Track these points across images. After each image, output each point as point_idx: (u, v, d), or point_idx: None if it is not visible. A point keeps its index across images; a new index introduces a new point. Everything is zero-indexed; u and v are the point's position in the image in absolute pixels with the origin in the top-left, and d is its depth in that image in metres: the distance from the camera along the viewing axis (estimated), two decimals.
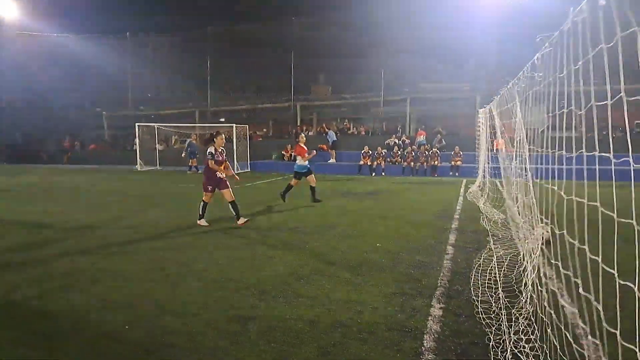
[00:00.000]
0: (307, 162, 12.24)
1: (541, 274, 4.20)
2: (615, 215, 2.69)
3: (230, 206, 9.17)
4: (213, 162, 8.96)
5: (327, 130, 28.08)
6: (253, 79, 38.74)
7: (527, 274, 4.88)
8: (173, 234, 8.45)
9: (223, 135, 9.38)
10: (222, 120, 37.63)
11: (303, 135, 12.96)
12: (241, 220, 9.19)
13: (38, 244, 7.79)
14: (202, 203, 9.26)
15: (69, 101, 39.67)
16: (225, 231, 8.72)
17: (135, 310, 4.69)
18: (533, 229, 6.65)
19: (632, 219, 2.39)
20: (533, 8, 25.66)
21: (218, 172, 9.05)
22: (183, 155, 24.75)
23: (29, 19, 37.24)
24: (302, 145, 12.30)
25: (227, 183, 9.19)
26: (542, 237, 5.24)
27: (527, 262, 5.37)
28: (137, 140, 29.32)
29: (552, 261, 3.83)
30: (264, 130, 34.95)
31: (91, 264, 6.46)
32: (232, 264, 6.39)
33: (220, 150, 9.20)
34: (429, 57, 30.29)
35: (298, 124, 34.68)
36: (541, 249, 4.84)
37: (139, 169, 27.44)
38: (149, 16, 39.89)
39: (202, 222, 9.23)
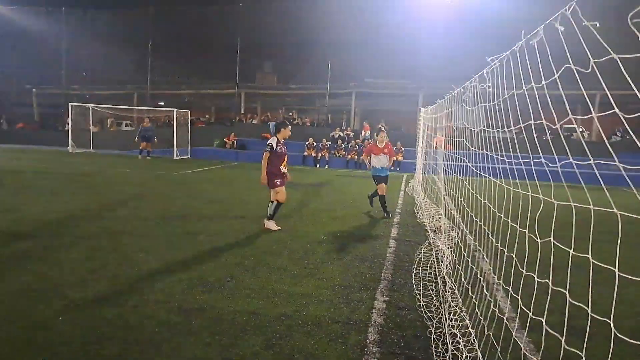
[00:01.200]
0: (386, 166, 9.83)
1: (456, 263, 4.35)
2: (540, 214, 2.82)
3: (273, 205, 8.02)
4: (268, 155, 7.85)
5: (270, 119, 27.81)
6: (197, 63, 37.73)
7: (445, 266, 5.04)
8: (109, 221, 8.09)
9: (290, 127, 8.27)
10: (162, 104, 36.48)
11: (384, 130, 10.31)
12: (271, 225, 8.02)
13: None
14: (275, 203, 8.00)
15: None
16: (166, 221, 8.45)
17: (70, 300, 4.45)
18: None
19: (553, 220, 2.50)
20: (481, 13, 26.58)
21: (282, 167, 8.01)
22: (135, 140, 23.51)
23: None
24: (379, 144, 9.86)
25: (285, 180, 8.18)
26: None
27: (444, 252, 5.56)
28: (69, 120, 27.83)
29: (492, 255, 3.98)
30: (207, 116, 34.21)
31: (21, 251, 6.08)
32: (174, 255, 6.20)
33: (282, 142, 8.11)
34: (377, 53, 30.68)
35: (242, 111, 34.19)
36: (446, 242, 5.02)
37: (71, 151, 26.09)
38: None
39: (271, 224, 8.01)
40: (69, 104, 28.13)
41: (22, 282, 4.90)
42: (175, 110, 25.83)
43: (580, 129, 29.90)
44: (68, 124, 28.13)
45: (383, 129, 10.29)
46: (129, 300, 4.53)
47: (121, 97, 37.03)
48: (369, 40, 30.07)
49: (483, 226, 4.40)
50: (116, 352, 3.51)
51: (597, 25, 2.31)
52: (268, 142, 7.96)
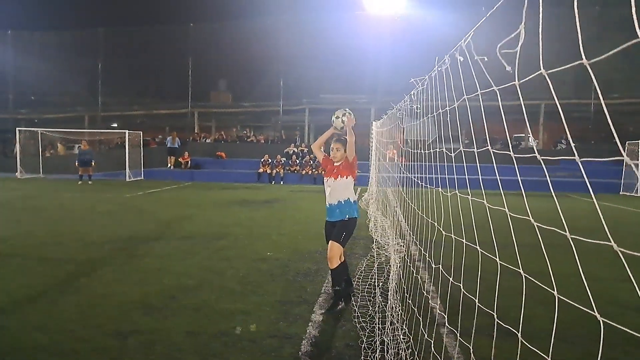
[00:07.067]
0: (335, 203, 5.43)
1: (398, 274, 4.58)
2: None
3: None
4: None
5: (224, 138, 27.73)
6: (149, 83, 37.35)
7: (391, 276, 5.29)
8: (52, 247, 7.96)
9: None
10: (115, 125, 35.90)
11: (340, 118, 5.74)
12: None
13: None
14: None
15: None
16: (112, 244, 8.37)
17: (3, 327, 4.42)
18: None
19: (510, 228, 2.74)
20: (425, 25, 27.57)
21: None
22: (76, 164, 22.60)
23: None
24: (334, 160, 5.67)
25: None
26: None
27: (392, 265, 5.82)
28: (17, 145, 26.98)
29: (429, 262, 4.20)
30: (160, 136, 33.76)
31: None
32: (117, 278, 6.20)
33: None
34: (328, 69, 31.20)
35: (196, 130, 34.03)
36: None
37: (19, 177, 25.28)
38: (35, 12, 37.04)
39: None
40: (17, 128, 27.34)
41: None
42: (127, 131, 25.47)
43: (533, 140, 31.16)
44: (16, 149, 27.21)
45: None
46: (65, 325, 4.53)
47: (72, 119, 36.12)
48: (320, 56, 30.61)
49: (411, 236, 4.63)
50: None
51: (486, 59, 2.57)
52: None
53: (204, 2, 35.91)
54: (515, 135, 31.31)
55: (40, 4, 37.62)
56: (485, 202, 2.45)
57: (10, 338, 4.23)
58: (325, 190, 5.44)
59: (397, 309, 4.89)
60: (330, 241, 5.17)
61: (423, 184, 4.93)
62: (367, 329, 4.60)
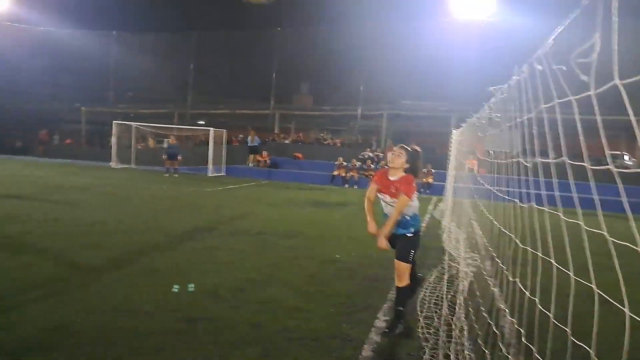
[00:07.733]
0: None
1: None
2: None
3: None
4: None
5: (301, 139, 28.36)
6: (235, 84, 38.79)
7: (460, 289, 5.13)
8: (138, 235, 8.50)
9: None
10: (202, 122, 37.65)
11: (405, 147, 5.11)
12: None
13: None
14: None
15: (49, 94, 39.27)
16: (189, 235, 8.80)
17: (88, 305, 4.78)
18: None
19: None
20: (511, 32, 26.49)
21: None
22: (163, 157, 24.39)
23: (15, 9, 36.81)
24: (390, 176, 5.14)
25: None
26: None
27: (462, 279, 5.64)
28: (113, 137, 29.11)
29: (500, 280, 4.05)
30: (241, 136, 34.94)
31: (40, 260, 6.50)
32: (192, 268, 6.50)
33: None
34: (410, 75, 30.75)
35: (275, 131, 34.89)
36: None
37: (113, 166, 27.26)
38: (137, 15, 39.74)
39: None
40: (114, 121, 29.48)
41: (47, 289, 5.28)
42: (211, 129, 26.64)
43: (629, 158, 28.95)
44: (112, 140, 29.38)
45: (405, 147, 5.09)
46: (142, 308, 4.81)
47: (163, 115, 38.32)
48: (403, 62, 30.26)
49: (489, 249, 4.47)
50: (117, 355, 3.77)
51: (564, 68, 2.45)
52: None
53: (290, 8, 36.74)
54: (610, 152, 29.16)
55: (143, 7, 40.14)
56: (561, 216, 2.32)
57: (95, 315, 4.56)
58: (383, 205, 5.19)
59: (464, 324, 4.74)
60: (396, 261, 4.84)
61: (505, 197, 4.71)
62: (431, 340, 4.50)
